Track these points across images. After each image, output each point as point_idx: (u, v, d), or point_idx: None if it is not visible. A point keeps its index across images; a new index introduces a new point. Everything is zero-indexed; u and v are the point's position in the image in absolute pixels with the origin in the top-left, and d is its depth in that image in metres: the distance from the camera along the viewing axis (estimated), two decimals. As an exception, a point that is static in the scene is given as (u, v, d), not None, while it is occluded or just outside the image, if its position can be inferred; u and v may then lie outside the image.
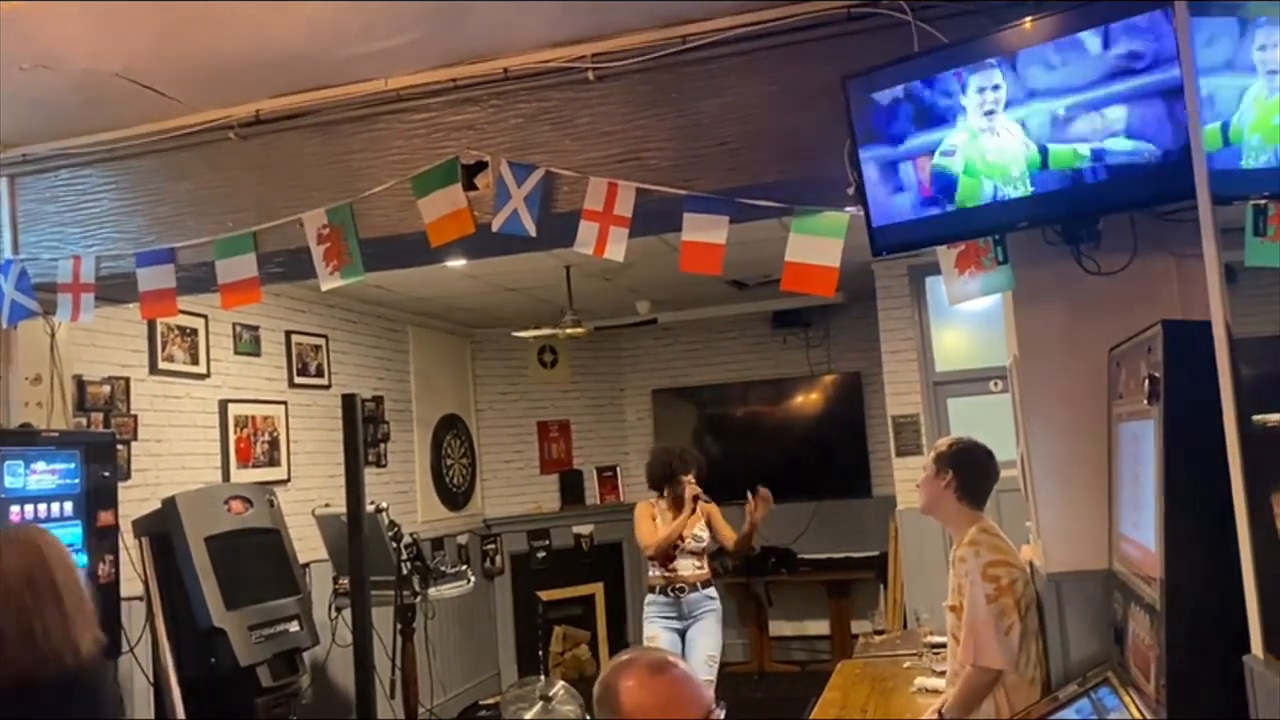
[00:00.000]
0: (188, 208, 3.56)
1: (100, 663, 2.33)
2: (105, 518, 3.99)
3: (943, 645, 3.50)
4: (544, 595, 7.72)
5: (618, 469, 8.45)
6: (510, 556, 7.91)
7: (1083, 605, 2.72)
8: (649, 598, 5.33)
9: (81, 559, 3.88)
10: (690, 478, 5.26)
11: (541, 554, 7.99)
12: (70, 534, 3.84)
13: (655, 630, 5.25)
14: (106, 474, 4.03)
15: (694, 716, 1.62)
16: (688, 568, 5.22)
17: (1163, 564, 2.08)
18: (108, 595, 3.98)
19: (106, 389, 4.49)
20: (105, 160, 3.64)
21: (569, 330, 6.32)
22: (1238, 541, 1.75)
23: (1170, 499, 2.08)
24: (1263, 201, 2.41)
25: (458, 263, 4.94)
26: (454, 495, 7.49)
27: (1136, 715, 2.22)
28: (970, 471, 3.07)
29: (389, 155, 3.32)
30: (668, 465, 5.32)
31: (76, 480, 3.90)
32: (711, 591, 5.29)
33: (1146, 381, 2.18)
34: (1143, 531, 2.28)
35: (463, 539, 7.44)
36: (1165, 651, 2.07)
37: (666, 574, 5.23)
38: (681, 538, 5.21)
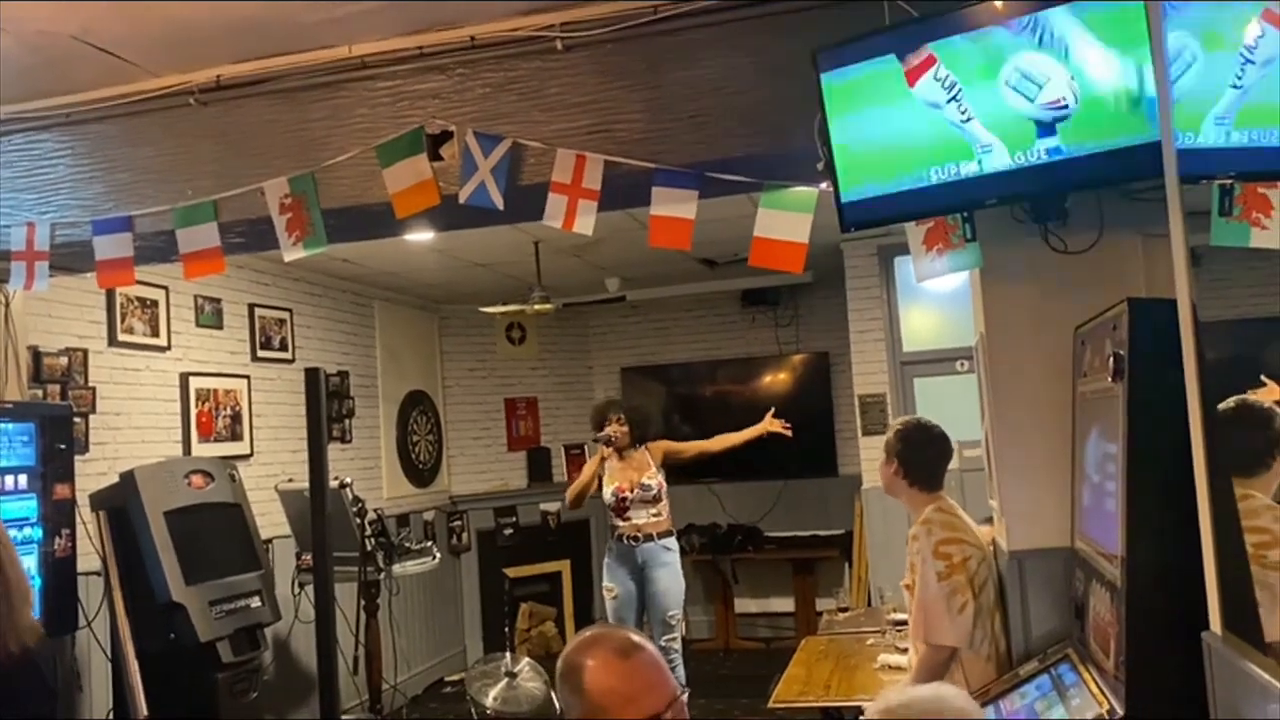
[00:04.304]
0: (146, 175, 3.48)
1: (44, 643, 2.30)
2: (62, 491, 3.93)
3: (905, 622, 3.52)
4: (510, 572, 7.69)
5: (585, 446, 8.42)
6: (477, 533, 7.89)
7: (1044, 582, 2.74)
8: (608, 545, 5.43)
9: (37, 533, 3.82)
10: (615, 423, 5.36)
11: (508, 531, 7.98)
12: (25, 507, 3.78)
13: (612, 583, 5.34)
14: (63, 447, 3.96)
15: (658, 705, 1.60)
16: (642, 516, 5.28)
17: (1124, 542, 2.09)
18: (64, 570, 3.93)
19: (64, 360, 4.41)
20: (61, 125, 3.55)
21: (537, 306, 6.28)
22: (1198, 520, 1.75)
23: (1132, 477, 2.09)
24: (1228, 182, 2.41)
25: (424, 236, 4.88)
26: (420, 472, 7.45)
27: (1095, 691, 2.24)
28: (915, 455, 3.07)
29: (353, 124, 3.26)
30: (601, 413, 5.49)
31: (32, 453, 3.83)
32: (669, 543, 5.34)
33: (1111, 359, 2.18)
34: (1104, 509, 2.29)
35: (429, 516, 7.40)
36: (1125, 628, 2.08)
37: (621, 524, 5.31)
38: (629, 488, 5.26)
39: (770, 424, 5.43)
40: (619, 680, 1.61)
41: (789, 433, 5.44)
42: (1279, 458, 2.29)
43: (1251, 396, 2.38)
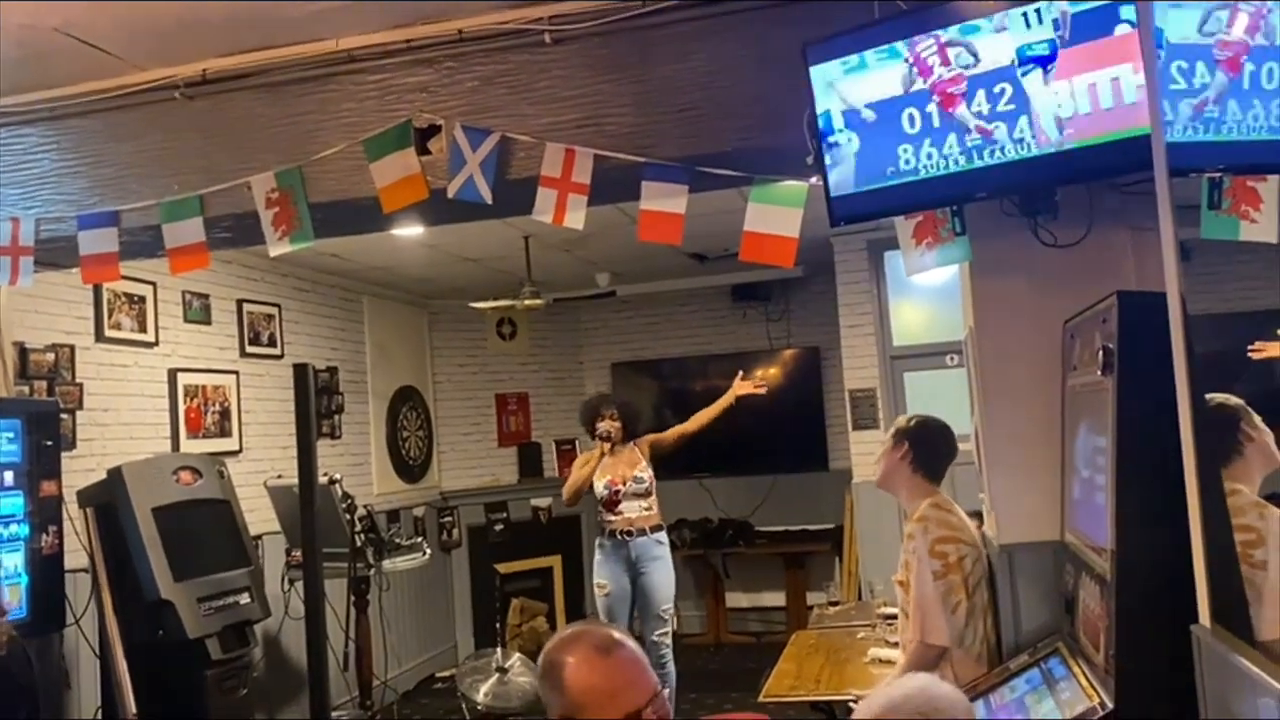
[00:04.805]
0: (131, 169, 3.45)
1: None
2: (48, 488, 3.91)
3: (896, 616, 3.52)
4: (501, 568, 7.69)
5: (576, 442, 8.40)
6: (467, 529, 7.87)
7: (1034, 576, 2.74)
8: (598, 541, 5.40)
9: (24, 530, 3.80)
10: (608, 419, 5.36)
11: (499, 526, 7.96)
12: (12, 504, 3.76)
13: (603, 579, 5.31)
14: (50, 443, 3.94)
15: (638, 701, 1.60)
16: (634, 510, 5.26)
17: (1113, 535, 2.09)
18: (52, 567, 3.91)
19: (50, 357, 4.38)
20: (45, 119, 3.52)
21: (527, 302, 6.26)
22: (1188, 513, 1.75)
23: (1122, 470, 2.09)
24: (1218, 175, 2.41)
25: (413, 231, 4.86)
26: (410, 468, 7.43)
27: (1085, 685, 2.24)
28: (927, 446, 3.08)
29: (340, 117, 3.24)
30: (594, 409, 5.47)
31: (18, 449, 3.81)
32: (661, 537, 5.33)
33: (1101, 353, 2.18)
34: (1094, 503, 2.29)
35: (419, 511, 7.38)
36: (1115, 622, 2.08)
37: (614, 518, 5.28)
38: (622, 481, 5.24)
39: (739, 387, 5.41)
40: (600, 677, 1.61)
41: (762, 390, 5.41)
42: (1245, 443, 2.30)
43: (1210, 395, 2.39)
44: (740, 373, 5.47)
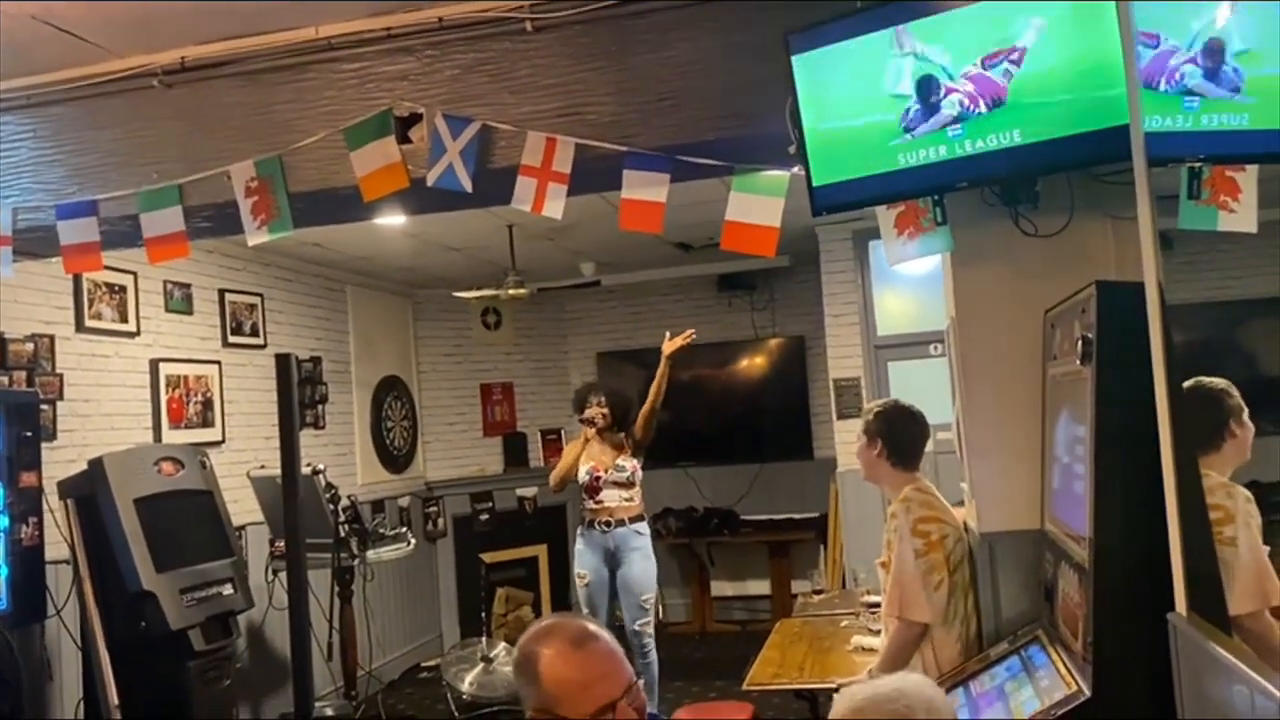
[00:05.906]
0: (110, 158, 3.42)
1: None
2: (28, 479, 3.89)
3: (879, 604, 3.54)
4: (487, 557, 7.69)
5: (562, 431, 8.41)
6: (453, 519, 7.86)
7: (1014, 564, 2.75)
8: (579, 531, 5.40)
9: (3, 521, 3.78)
10: (595, 405, 5.36)
11: (484, 516, 7.96)
12: (-9, 496, 3.74)
13: (583, 569, 5.31)
14: (29, 434, 3.92)
15: (613, 693, 1.60)
16: (614, 499, 5.26)
17: (1092, 524, 2.10)
18: (32, 558, 3.89)
19: (30, 347, 4.35)
20: (22, 107, 3.49)
21: (512, 291, 6.24)
22: (1165, 502, 1.76)
23: (1100, 459, 2.10)
24: (1197, 165, 2.42)
25: (395, 220, 4.84)
26: (395, 458, 7.41)
27: (1064, 672, 2.25)
28: (896, 438, 3.07)
29: (320, 106, 3.22)
30: (583, 396, 5.49)
31: (-3, 440, 3.79)
32: (641, 527, 5.32)
33: (1080, 342, 2.19)
34: (1073, 492, 2.30)
35: (404, 501, 7.37)
36: (1093, 610, 2.09)
37: (594, 506, 5.28)
38: (603, 469, 5.26)
39: (668, 346, 5.32)
40: (574, 670, 1.61)
41: (691, 338, 5.34)
42: (1227, 439, 2.32)
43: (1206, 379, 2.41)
44: (668, 333, 5.42)
